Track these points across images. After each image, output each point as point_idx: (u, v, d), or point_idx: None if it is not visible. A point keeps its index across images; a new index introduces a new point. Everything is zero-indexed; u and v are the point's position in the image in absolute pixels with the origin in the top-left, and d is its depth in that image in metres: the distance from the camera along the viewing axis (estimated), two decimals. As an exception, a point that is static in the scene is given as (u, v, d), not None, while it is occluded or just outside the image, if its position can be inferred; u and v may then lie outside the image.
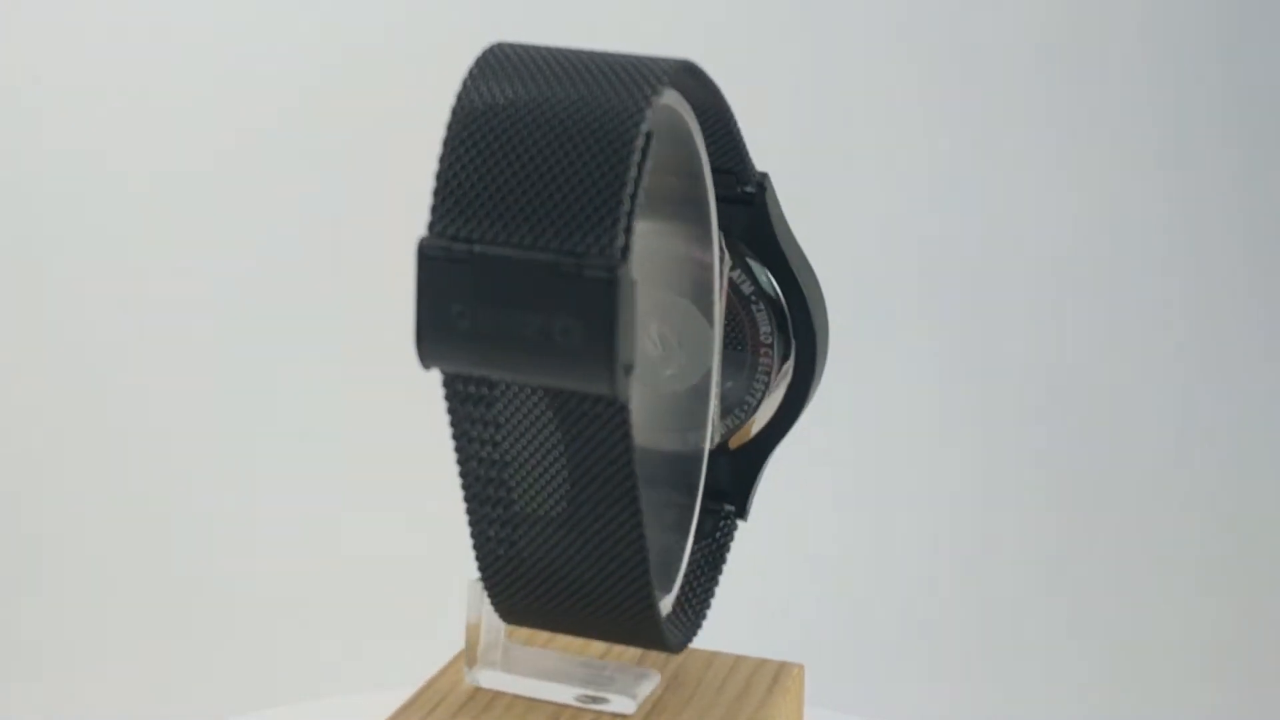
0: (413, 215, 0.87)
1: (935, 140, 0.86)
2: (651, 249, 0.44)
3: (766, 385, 0.45)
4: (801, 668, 0.46)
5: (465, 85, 0.34)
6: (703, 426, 0.44)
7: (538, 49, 0.36)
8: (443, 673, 0.43)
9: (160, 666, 0.77)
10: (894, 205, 0.85)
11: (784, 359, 0.45)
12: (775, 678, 0.45)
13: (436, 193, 0.34)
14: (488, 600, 0.42)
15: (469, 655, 0.42)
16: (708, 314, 0.44)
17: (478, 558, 0.38)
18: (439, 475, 0.70)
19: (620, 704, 0.41)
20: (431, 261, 0.34)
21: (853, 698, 0.64)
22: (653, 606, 0.38)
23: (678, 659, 0.45)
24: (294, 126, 0.85)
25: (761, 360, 0.45)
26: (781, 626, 0.60)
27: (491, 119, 0.34)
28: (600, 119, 0.33)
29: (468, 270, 0.33)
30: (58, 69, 0.84)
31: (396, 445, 0.81)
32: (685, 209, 0.43)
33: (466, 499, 0.37)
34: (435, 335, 0.34)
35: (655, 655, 0.45)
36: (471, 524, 0.38)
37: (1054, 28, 0.88)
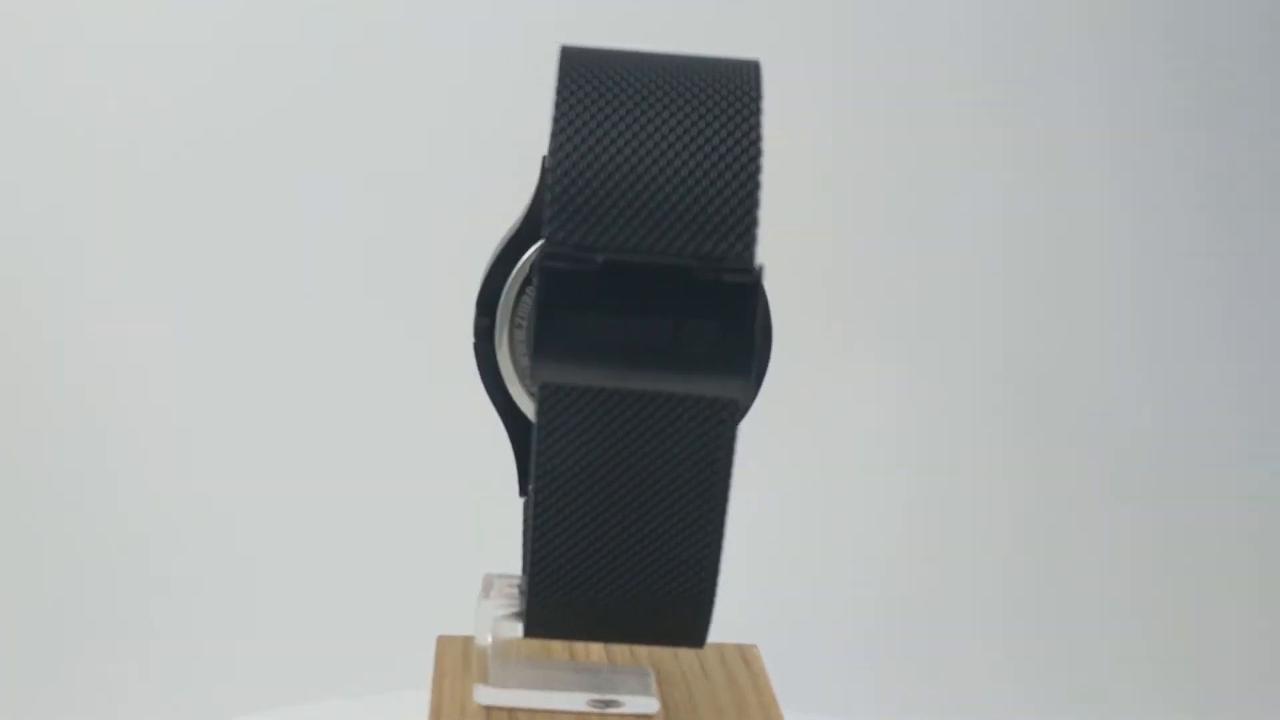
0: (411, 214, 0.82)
1: (893, 137, 0.86)
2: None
3: None
4: (756, 647, 0.47)
5: (562, 92, 0.33)
6: None
7: (613, 52, 0.35)
8: (442, 696, 0.42)
9: (164, 667, 0.76)
10: (859, 203, 0.84)
11: None
12: (745, 659, 0.46)
13: (553, 202, 0.33)
14: (494, 619, 0.41)
15: (479, 675, 0.41)
16: None
17: (533, 572, 0.37)
18: (440, 477, 0.67)
19: (642, 704, 0.41)
20: (554, 273, 0.32)
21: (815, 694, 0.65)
22: (712, 602, 0.38)
23: (641, 652, 0.46)
24: (292, 126, 0.84)
25: None
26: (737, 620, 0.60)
27: (599, 126, 0.33)
28: (715, 123, 0.33)
29: (594, 279, 0.33)
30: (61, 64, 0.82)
31: (401, 447, 0.79)
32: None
33: (538, 514, 0.36)
34: (556, 348, 0.33)
35: (623, 650, 0.45)
36: (536, 539, 0.37)
37: (1009, 22, 0.88)
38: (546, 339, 0.33)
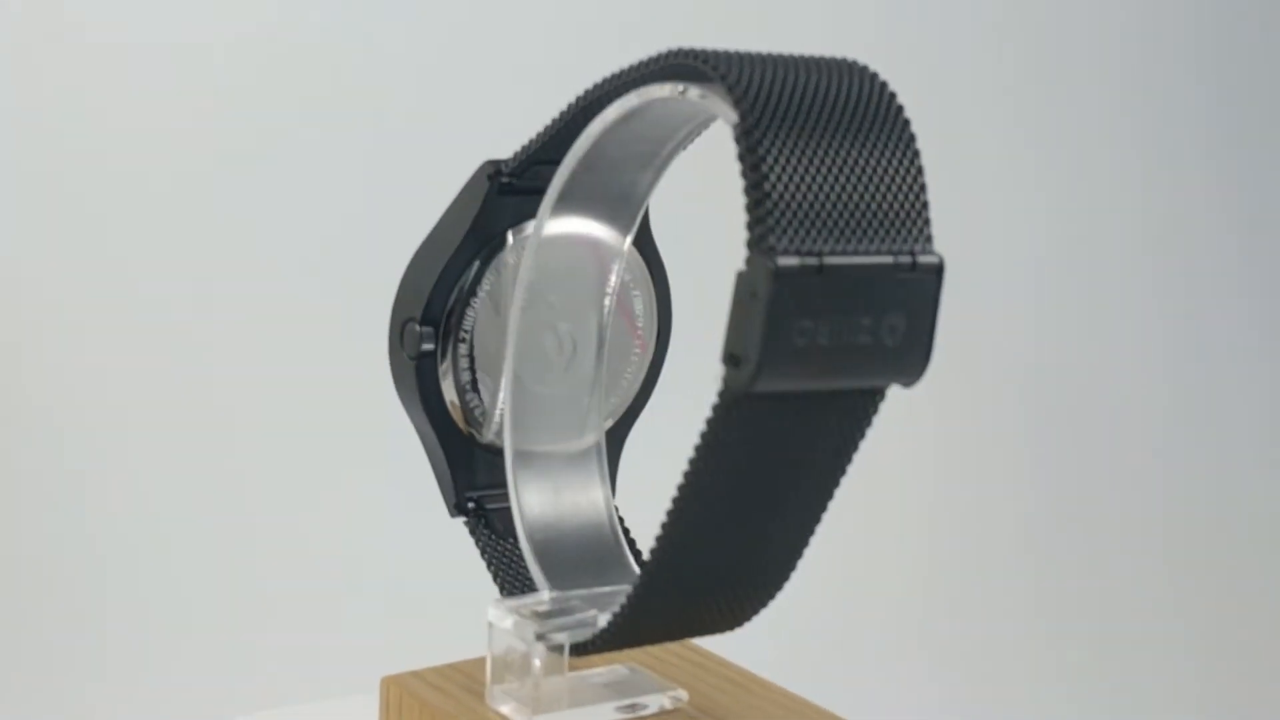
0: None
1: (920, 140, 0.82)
2: (569, 248, 0.43)
3: (641, 367, 0.46)
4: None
5: (746, 100, 0.33)
6: (597, 417, 0.44)
7: (756, 56, 0.34)
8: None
9: (165, 668, 0.76)
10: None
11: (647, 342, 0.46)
12: (688, 645, 0.46)
13: (773, 210, 0.32)
14: (545, 647, 0.39)
15: (530, 705, 0.39)
16: (601, 308, 0.43)
17: (650, 585, 0.36)
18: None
19: (666, 698, 0.41)
20: (789, 279, 0.32)
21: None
22: (781, 588, 0.39)
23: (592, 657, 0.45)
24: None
25: (635, 343, 0.45)
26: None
27: (789, 132, 0.33)
28: (875, 122, 0.34)
29: (819, 283, 0.32)
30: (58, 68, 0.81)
31: (403, 452, 0.70)
32: (616, 206, 0.42)
33: (676, 527, 0.35)
34: (780, 355, 0.32)
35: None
36: (664, 551, 0.36)
37: (1035, 30, 0.87)
38: (771, 345, 0.33)
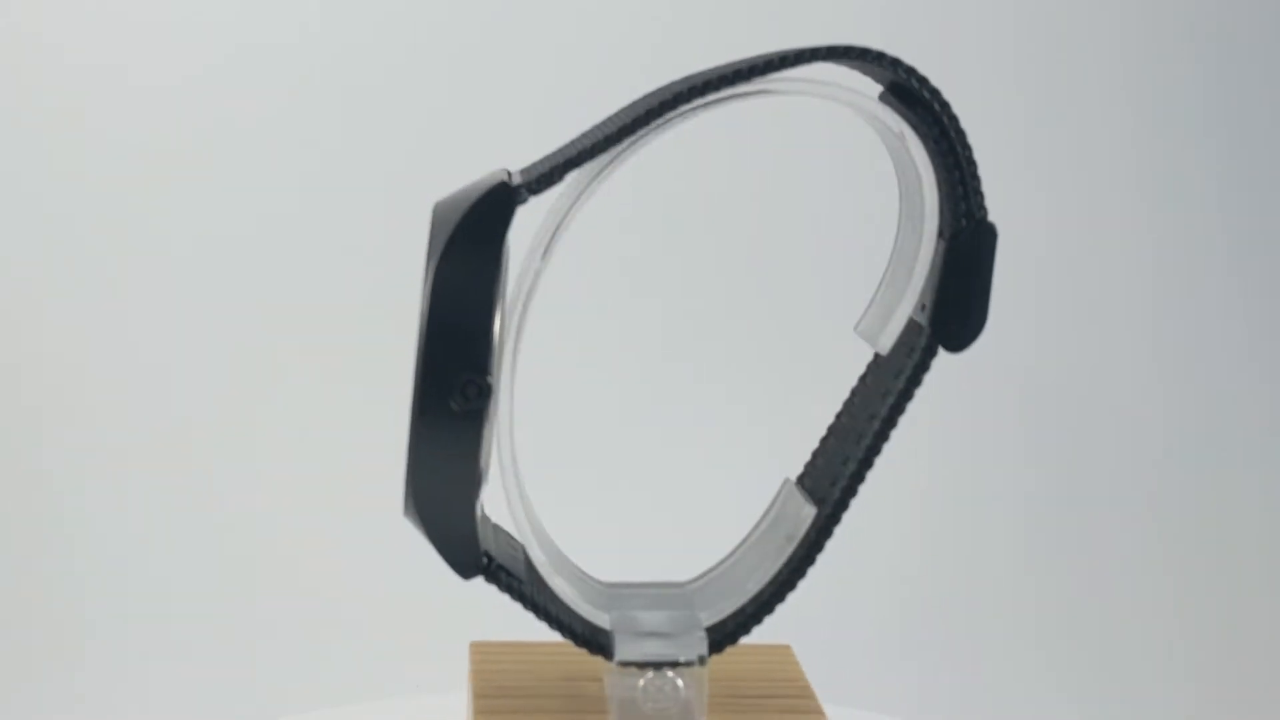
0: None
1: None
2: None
3: None
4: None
5: (929, 84, 0.35)
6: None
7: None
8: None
9: (179, 675, 0.77)
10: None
11: None
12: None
13: (979, 178, 0.35)
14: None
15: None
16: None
17: (819, 539, 0.38)
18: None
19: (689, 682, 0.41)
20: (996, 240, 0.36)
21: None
22: None
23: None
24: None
25: None
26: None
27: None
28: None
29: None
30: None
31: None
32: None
33: (858, 473, 0.38)
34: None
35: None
36: (845, 494, 0.39)
37: (1033, 28, 0.86)
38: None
